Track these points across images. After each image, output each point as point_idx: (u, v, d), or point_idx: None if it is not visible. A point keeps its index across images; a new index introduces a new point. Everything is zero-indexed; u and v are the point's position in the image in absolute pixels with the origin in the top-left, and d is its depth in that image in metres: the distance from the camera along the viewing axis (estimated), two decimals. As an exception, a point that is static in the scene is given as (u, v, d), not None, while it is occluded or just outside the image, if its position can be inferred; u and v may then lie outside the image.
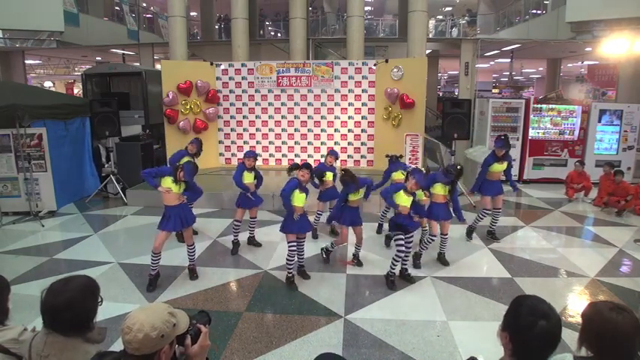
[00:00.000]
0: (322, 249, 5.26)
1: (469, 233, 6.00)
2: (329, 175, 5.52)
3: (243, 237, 5.73)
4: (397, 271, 4.63)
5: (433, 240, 5.09)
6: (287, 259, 4.57)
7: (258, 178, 5.47)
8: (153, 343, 1.42)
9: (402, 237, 4.50)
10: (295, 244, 4.61)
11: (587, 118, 9.31)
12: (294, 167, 4.69)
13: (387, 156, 5.93)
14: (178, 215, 4.51)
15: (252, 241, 5.75)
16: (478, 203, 6.60)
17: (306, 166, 4.56)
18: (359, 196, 4.82)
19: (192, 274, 4.77)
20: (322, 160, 6.20)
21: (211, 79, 9.36)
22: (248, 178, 5.35)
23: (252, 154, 5.38)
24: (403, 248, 4.51)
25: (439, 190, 4.95)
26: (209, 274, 4.86)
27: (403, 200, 4.47)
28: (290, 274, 4.61)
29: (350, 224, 4.87)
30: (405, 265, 4.70)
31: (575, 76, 18.37)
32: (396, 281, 4.59)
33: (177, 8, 11.24)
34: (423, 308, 4.15)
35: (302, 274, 4.79)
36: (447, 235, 5.09)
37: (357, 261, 5.12)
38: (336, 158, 6.01)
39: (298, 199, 4.47)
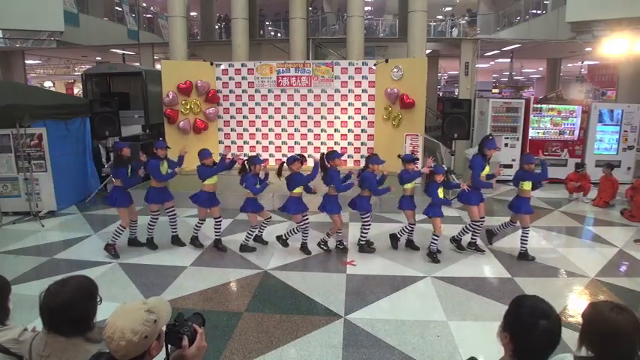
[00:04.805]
0: (319, 243, 5.53)
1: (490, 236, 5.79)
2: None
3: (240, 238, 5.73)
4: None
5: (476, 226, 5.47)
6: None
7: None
8: (138, 347, 1.43)
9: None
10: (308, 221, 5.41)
11: (587, 118, 9.31)
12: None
13: (399, 156, 5.66)
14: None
15: (218, 244, 5.65)
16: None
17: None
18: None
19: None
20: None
21: (211, 79, 9.35)
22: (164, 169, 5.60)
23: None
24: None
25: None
26: (209, 274, 4.86)
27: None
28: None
29: (325, 211, 5.35)
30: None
31: (575, 76, 18.35)
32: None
33: (178, 8, 11.22)
34: (423, 308, 4.15)
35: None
36: (527, 228, 5.34)
37: (342, 246, 5.50)
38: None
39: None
